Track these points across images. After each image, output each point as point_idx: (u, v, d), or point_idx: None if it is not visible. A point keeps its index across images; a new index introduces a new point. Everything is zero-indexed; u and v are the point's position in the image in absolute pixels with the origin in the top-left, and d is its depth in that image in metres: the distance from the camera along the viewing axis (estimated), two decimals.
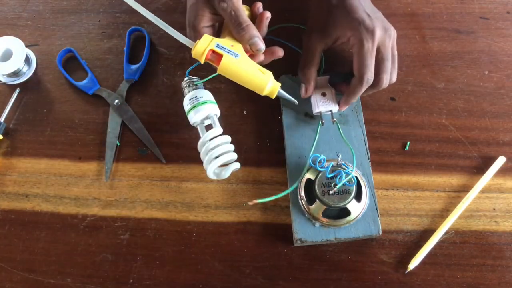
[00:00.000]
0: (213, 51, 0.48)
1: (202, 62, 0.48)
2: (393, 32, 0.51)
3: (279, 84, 0.50)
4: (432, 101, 0.58)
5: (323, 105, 0.54)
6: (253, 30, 0.49)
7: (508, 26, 0.62)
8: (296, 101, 0.52)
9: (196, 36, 0.50)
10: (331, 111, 0.54)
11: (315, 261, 0.51)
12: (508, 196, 0.53)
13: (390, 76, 0.52)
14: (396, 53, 0.52)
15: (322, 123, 0.54)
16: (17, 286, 0.52)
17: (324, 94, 0.54)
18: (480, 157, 0.55)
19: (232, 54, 0.48)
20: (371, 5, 0.52)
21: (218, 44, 0.48)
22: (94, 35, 0.64)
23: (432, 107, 0.58)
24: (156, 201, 0.54)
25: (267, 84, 0.49)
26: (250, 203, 0.50)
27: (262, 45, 0.49)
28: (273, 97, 0.51)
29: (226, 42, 0.49)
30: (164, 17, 0.63)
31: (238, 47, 0.50)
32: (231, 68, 0.49)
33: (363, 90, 0.51)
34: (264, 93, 0.50)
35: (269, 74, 0.50)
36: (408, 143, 0.56)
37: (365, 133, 0.55)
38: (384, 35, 0.49)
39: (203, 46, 0.47)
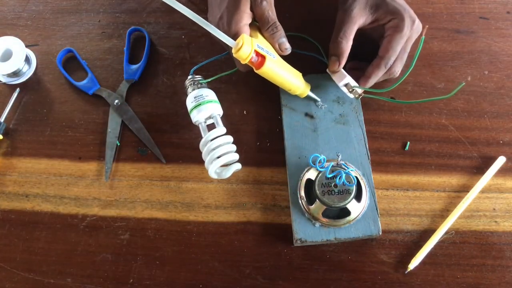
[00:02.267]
0: (256, 52, 0.47)
1: (245, 63, 0.47)
2: (420, 29, 0.53)
3: (309, 85, 0.54)
4: (432, 101, 0.58)
5: (350, 78, 0.53)
6: (283, 31, 0.51)
7: (508, 26, 0.62)
8: (319, 99, 0.56)
9: (235, 34, 0.49)
10: (353, 88, 0.53)
11: (315, 261, 0.51)
12: (508, 196, 0.53)
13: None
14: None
15: (351, 91, 0.54)
16: (17, 286, 0.52)
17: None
18: (480, 157, 0.55)
19: (271, 55, 0.49)
20: None
21: (258, 45, 0.48)
22: (94, 35, 0.64)
23: (432, 107, 0.58)
24: (156, 201, 0.54)
25: (302, 85, 0.53)
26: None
27: (289, 45, 0.52)
28: (303, 97, 0.54)
29: (261, 42, 0.49)
30: (164, 17, 0.64)
31: (270, 48, 0.50)
32: (272, 69, 0.49)
33: (383, 72, 0.53)
34: (297, 93, 0.54)
35: (301, 75, 0.53)
36: (408, 143, 0.56)
37: (365, 133, 0.55)
38: (416, 29, 0.52)
39: (249, 47, 0.46)
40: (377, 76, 0.53)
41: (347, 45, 0.52)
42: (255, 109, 0.58)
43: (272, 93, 0.58)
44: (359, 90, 0.53)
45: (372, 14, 0.52)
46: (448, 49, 0.61)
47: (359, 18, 0.52)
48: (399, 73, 0.55)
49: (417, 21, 0.52)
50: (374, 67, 0.52)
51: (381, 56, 0.52)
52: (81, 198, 0.55)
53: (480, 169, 0.54)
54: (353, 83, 0.53)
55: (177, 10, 0.46)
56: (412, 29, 0.51)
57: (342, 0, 0.54)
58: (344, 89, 0.54)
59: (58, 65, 0.61)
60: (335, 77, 0.54)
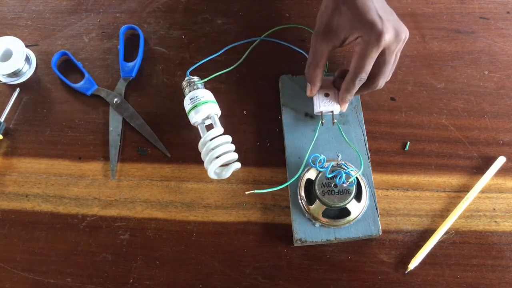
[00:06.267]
0: None
1: None
2: (404, 36, 0.48)
3: None
4: (432, 101, 0.58)
5: (324, 105, 0.53)
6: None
7: (508, 26, 0.62)
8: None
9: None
10: (332, 112, 0.53)
11: (315, 261, 0.51)
12: (508, 196, 0.53)
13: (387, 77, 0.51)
14: (398, 56, 0.51)
15: (322, 123, 0.54)
16: (17, 286, 0.52)
17: (327, 95, 0.53)
18: (480, 157, 0.55)
19: None
20: (384, 4, 0.50)
21: None
22: (94, 35, 0.64)
23: (432, 107, 0.58)
24: (156, 201, 0.54)
25: None
26: (247, 193, 0.53)
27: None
28: None
29: None
30: (164, 17, 0.64)
31: None
32: None
33: (355, 88, 0.50)
34: None
35: None
36: (408, 143, 0.56)
37: (365, 133, 0.55)
38: (393, 40, 0.47)
39: None
40: (350, 92, 0.51)
41: (316, 72, 0.51)
42: (255, 109, 0.58)
43: (272, 93, 0.58)
44: (336, 111, 0.53)
45: (338, 37, 0.50)
46: (448, 49, 0.61)
47: (326, 46, 0.50)
48: (383, 85, 0.52)
49: (388, 35, 0.46)
50: (344, 84, 0.51)
51: (349, 72, 0.50)
52: (81, 198, 0.55)
53: (480, 169, 0.54)
54: (326, 109, 0.53)
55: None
56: (380, 45, 0.46)
57: (316, 23, 0.53)
58: (320, 113, 0.54)
59: (53, 69, 0.60)
60: (314, 101, 0.54)
